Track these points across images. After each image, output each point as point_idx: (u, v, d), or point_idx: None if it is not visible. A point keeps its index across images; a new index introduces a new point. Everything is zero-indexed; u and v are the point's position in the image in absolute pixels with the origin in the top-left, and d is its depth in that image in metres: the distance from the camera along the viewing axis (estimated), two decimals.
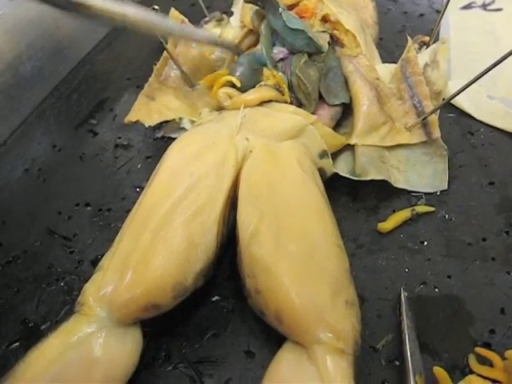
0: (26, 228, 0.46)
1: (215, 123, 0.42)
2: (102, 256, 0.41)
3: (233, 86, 0.44)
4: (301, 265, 0.33)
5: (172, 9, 0.51)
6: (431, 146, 0.46)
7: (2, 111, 0.53)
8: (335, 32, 0.47)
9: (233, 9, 0.53)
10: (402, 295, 0.39)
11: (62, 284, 0.42)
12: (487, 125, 0.49)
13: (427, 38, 0.51)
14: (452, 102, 0.49)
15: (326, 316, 0.32)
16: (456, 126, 0.49)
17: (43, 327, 0.40)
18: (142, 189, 0.46)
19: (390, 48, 0.54)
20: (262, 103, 0.42)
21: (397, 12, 0.61)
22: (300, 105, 0.44)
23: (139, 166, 0.50)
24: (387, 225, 0.43)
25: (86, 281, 0.36)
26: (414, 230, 0.43)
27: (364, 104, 0.45)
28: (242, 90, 0.43)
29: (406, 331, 0.36)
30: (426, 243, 0.42)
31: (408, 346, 0.36)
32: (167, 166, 0.38)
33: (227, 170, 0.37)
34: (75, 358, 0.32)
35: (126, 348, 0.34)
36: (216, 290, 0.40)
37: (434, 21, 0.59)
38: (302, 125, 0.41)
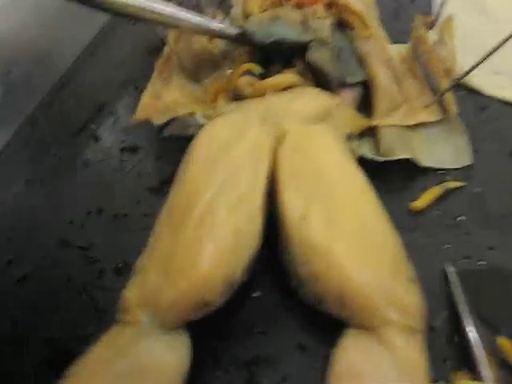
0: (37, 241, 0.43)
1: (240, 111, 0.40)
2: (125, 263, 0.39)
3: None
4: (358, 243, 0.32)
5: None
6: (448, 123, 0.46)
7: None
8: (344, 15, 0.46)
9: (233, 1, 0.51)
10: (448, 270, 0.38)
11: (85, 297, 0.39)
12: (497, 99, 0.49)
13: (432, 18, 0.51)
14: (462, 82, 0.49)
15: (393, 294, 0.30)
16: (467, 103, 0.49)
17: (70, 346, 0.37)
18: (157, 191, 0.44)
19: (386, 33, 0.53)
20: (286, 89, 0.41)
21: None
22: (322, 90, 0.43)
23: (149, 167, 0.47)
24: (420, 203, 0.41)
25: (111, 291, 0.34)
26: (448, 206, 0.42)
27: (383, 84, 0.44)
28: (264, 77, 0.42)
29: (460, 306, 0.35)
30: (461, 218, 0.41)
31: (465, 321, 0.34)
32: (199, 155, 0.36)
33: (263, 155, 0.36)
34: (124, 370, 0.30)
35: (176, 354, 0.31)
36: (255, 285, 0.38)
37: (425, 5, 0.60)
38: (329, 107, 0.40)
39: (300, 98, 0.40)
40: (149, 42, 0.57)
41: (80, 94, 0.55)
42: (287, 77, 0.41)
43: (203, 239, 0.32)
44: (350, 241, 0.32)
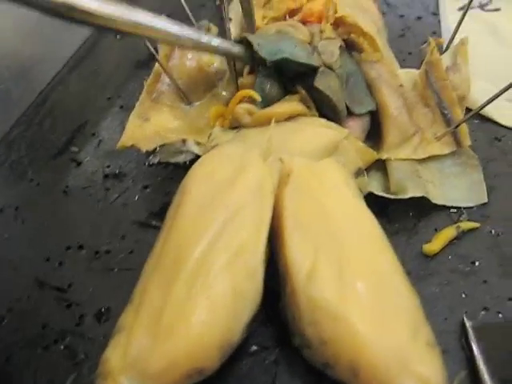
0: (9, 281, 0.39)
1: (238, 143, 0.36)
2: (107, 308, 0.35)
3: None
4: (373, 305, 0.28)
5: None
6: (461, 155, 0.42)
7: None
8: (352, 36, 0.42)
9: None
10: (467, 325, 0.34)
11: (63, 346, 0.35)
12: None
13: (442, 40, 0.48)
14: (472, 107, 0.46)
15: (411, 362, 0.27)
16: (481, 133, 0.46)
17: None
18: (142, 224, 0.40)
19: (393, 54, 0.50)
20: (288, 119, 0.37)
21: (392, 15, 0.58)
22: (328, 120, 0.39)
23: (136, 197, 0.43)
24: (434, 246, 0.38)
25: (91, 340, 0.30)
26: (462, 250, 0.38)
27: (393, 113, 0.40)
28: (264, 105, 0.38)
29: (479, 366, 0.32)
30: (477, 263, 0.38)
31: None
32: (193, 195, 0.32)
33: (266, 197, 0.32)
34: None
35: None
36: (253, 338, 0.34)
37: (433, 24, 0.57)
38: (336, 139, 0.36)
39: (305, 130, 0.37)
40: (137, 56, 0.53)
41: (60, 113, 0.51)
42: (291, 106, 0.37)
43: (197, 298, 0.28)
44: (364, 301, 0.28)
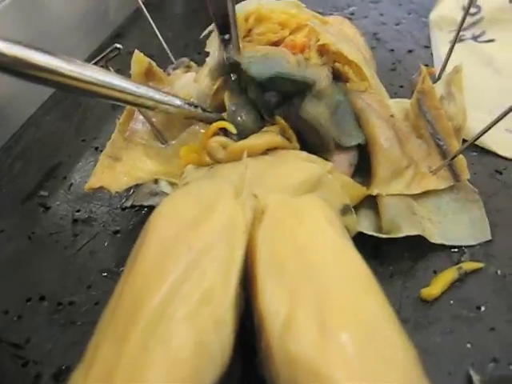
0: None
1: (209, 179, 0.33)
2: (68, 367, 0.31)
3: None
4: (360, 359, 0.24)
5: (136, 51, 0.42)
6: (459, 190, 0.39)
7: None
8: (337, 65, 0.39)
9: (207, 49, 0.45)
10: (474, 379, 0.30)
11: None
12: None
13: (434, 70, 0.45)
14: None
15: None
16: (481, 166, 0.42)
17: None
18: (111, 273, 0.37)
19: (384, 88, 0.47)
20: (266, 152, 0.34)
21: (383, 50, 0.56)
22: (313, 152, 0.36)
23: (106, 243, 0.40)
24: (433, 290, 0.34)
25: None
26: (466, 293, 0.34)
27: (383, 145, 0.37)
28: (240, 138, 0.35)
29: None
30: (483, 308, 0.34)
31: None
32: (155, 238, 0.28)
33: (236, 238, 0.28)
34: None
35: None
36: None
37: (424, 57, 0.55)
38: (318, 174, 0.33)
39: (284, 164, 0.33)
40: None
41: (31, 156, 0.48)
42: (267, 138, 0.34)
43: (154, 353, 0.24)
44: (350, 355, 0.24)
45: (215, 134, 0.35)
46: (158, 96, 0.33)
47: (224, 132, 0.36)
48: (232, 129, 0.35)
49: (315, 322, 0.25)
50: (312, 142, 0.37)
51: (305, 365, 0.24)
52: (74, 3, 0.58)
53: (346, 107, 0.38)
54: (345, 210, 0.34)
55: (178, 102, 0.35)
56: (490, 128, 0.34)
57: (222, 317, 0.26)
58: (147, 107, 0.33)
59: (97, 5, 0.62)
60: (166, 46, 0.48)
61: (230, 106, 0.36)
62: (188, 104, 0.36)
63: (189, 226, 0.28)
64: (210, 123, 0.37)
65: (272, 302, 0.26)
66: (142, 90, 0.32)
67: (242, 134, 0.36)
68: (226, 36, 0.36)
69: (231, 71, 0.38)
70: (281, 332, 0.25)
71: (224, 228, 0.28)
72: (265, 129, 0.36)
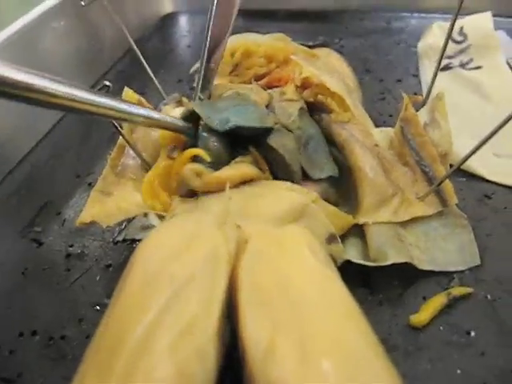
0: None
1: (193, 212, 0.34)
2: None
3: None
4: None
5: (125, 88, 0.44)
6: (448, 216, 0.39)
7: None
8: (319, 97, 0.40)
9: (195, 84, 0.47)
10: None
11: None
12: (502, 185, 0.43)
13: (419, 98, 0.46)
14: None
15: None
16: (469, 191, 0.43)
17: None
18: (102, 306, 0.37)
19: (373, 117, 0.48)
20: (246, 182, 0.35)
21: (372, 80, 0.57)
22: None
23: (98, 277, 0.40)
24: (422, 316, 0.34)
25: None
26: (455, 319, 0.34)
27: (368, 174, 0.38)
28: (213, 167, 0.36)
29: None
30: (473, 333, 0.33)
31: None
32: (138, 270, 0.28)
33: (219, 268, 0.28)
34: None
35: None
36: None
37: (413, 85, 0.55)
38: (302, 204, 0.33)
39: (267, 194, 0.34)
40: (109, 131, 0.52)
41: (26, 192, 0.49)
42: (243, 169, 0.34)
43: None
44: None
45: (188, 161, 0.36)
46: (123, 106, 0.33)
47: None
48: (206, 156, 0.35)
49: (296, 350, 0.25)
50: (281, 172, 0.37)
51: None
52: (66, 43, 0.60)
53: (319, 141, 0.39)
54: (330, 239, 0.34)
55: (143, 111, 0.34)
56: (475, 151, 0.34)
57: (204, 347, 0.26)
58: (114, 118, 0.34)
59: (90, 44, 0.64)
60: (156, 82, 0.49)
61: (202, 133, 0.36)
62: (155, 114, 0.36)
63: (172, 257, 0.28)
64: (178, 132, 0.38)
65: (254, 331, 0.26)
66: (108, 101, 0.31)
67: (215, 161, 0.36)
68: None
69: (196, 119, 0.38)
70: (262, 360, 0.25)
71: (207, 258, 0.28)
72: (237, 159, 0.36)
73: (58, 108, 0.29)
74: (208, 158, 0.35)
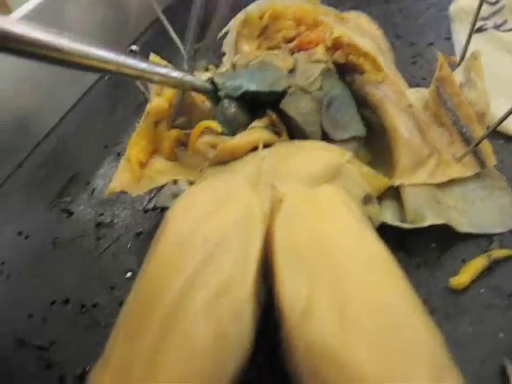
0: None
1: (225, 173, 0.33)
2: (91, 368, 0.30)
3: None
4: (384, 347, 0.23)
5: (151, 54, 0.43)
6: (486, 177, 0.38)
7: None
8: (351, 58, 0.39)
9: (224, 49, 0.46)
10: (509, 369, 0.28)
11: None
12: None
13: (454, 59, 0.44)
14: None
15: None
16: (507, 153, 0.41)
17: None
18: (134, 273, 0.37)
19: (406, 80, 0.46)
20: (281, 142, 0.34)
21: (403, 45, 0.55)
22: None
23: (129, 245, 0.40)
24: (462, 278, 0.33)
25: None
26: (496, 282, 0.33)
27: (403, 135, 0.36)
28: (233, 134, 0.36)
29: None
30: None
31: None
32: (170, 232, 0.28)
33: (254, 227, 0.27)
34: None
35: None
36: None
37: (446, 48, 0.53)
38: (337, 163, 0.32)
39: (301, 154, 0.33)
40: (135, 100, 0.51)
41: (54, 163, 0.49)
42: (256, 135, 0.34)
43: (171, 346, 0.23)
44: (373, 342, 0.23)
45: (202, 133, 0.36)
46: (144, 65, 0.32)
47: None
48: (218, 128, 0.35)
49: (335, 311, 0.24)
50: (297, 134, 0.36)
51: (325, 353, 0.23)
52: (93, 13, 0.59)
53: (344, 101, 0.38)
54: (367, 200, 0.33)
55: (163, 70, 0.34)
56: (509, 114, 0.33)
57: (240, 308, 0.25)
58: (133, 77, 0.33)
59: (116, 15, 0.63)
60: (182, 49, 0.48)
61: (223, 100, 0.36)
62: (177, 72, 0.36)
63: (204, 218, 0.28)
64: (202, 93, 0.38)
65: (290, 291, 0.25)
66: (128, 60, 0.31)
67: (234, 127, 0.36)
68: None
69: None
70: (300, 321, 0.24)
71: (240, 219, 0.28)
72: (253, 123, 0.36)
73: (89, 69, 0.29)
74: (219, 129, 0.35)
